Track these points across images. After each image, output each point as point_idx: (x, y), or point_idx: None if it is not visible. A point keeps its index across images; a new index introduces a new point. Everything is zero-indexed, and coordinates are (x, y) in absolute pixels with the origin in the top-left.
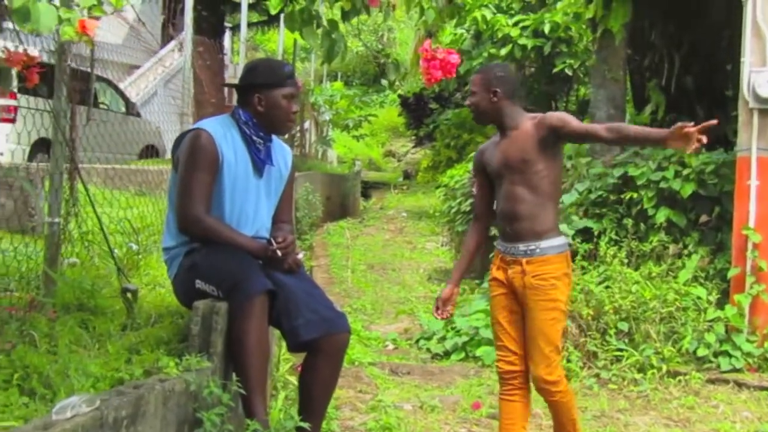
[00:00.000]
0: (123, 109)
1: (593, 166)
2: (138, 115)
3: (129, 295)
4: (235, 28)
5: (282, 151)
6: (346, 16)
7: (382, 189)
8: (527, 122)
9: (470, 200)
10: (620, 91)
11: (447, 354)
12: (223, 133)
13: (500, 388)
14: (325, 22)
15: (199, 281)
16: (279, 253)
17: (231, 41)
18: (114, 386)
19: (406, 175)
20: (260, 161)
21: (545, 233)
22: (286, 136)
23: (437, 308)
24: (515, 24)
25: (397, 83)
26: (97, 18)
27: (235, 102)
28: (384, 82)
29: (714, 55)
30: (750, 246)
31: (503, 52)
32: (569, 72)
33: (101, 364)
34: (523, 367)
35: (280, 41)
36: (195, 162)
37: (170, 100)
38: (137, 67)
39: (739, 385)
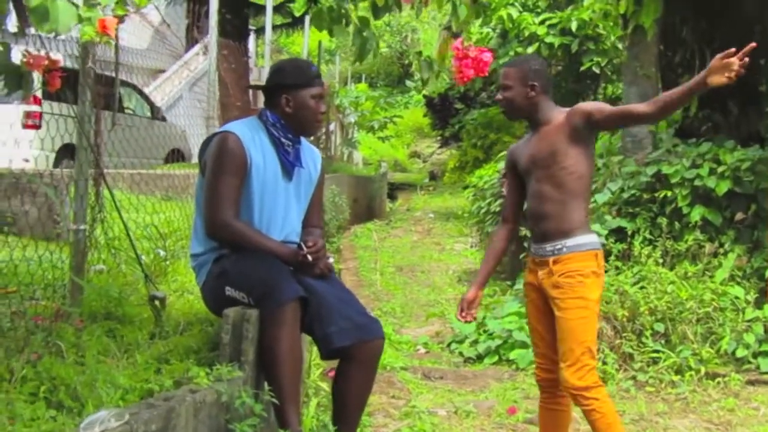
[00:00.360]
0: (148, 114)
1: (626, 164)
2: (163, 119)
3: (157, 302)
4: (260, 31)
5: (311, 153)
6: (377, 13)
7: (408, 190)
8: (559, 116)
9: (500, 200)
10: (652, 88)
11: (480, 357)
12: (251, 135)
13: (540, 395)
14: (355, 20)
15: (229, 288)
16: (310, 258)
17: (255, 44)
18: (143, 398)
19: (432, 176)
20: (289, 164)
21: (572, 231)
22: (312, 138)
23: (461, 310)
24: (542, 22)
25: (429, 82)
26: (120, 18)
27: (260, 105)
28: (408, 83)
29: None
30: None
31: (530, 50)
32: (597, 70)
33: (130, 375)
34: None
35: (305, 43)
36: (223, 165)
37: (196, 104)
38: (162, 71)
39: (766, 382)
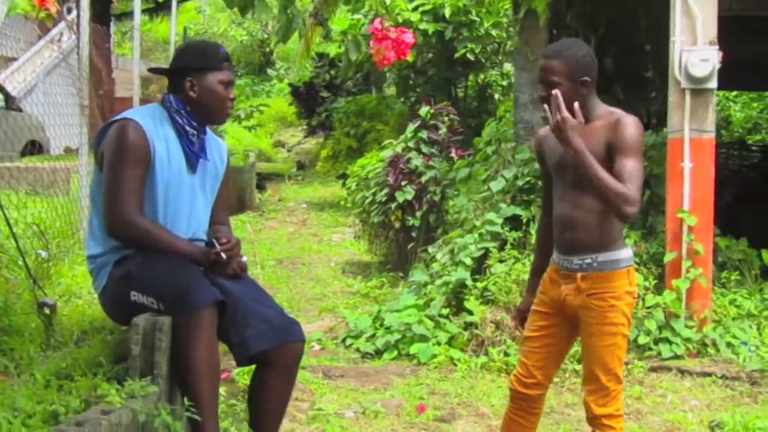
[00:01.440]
0: (1, 104)
1: (519, 151)
2: (19, 109)
3: (47, 310)
4: (120, 17)
5: (217, 144)
6: None
7: (276, 180)
8: (604, 117)
9: (386, 190)
10: None
11: (378, 353)
12: (153, 123)
13: (509, 404)
14: None
15: (135, 293)
16: (224, 256)
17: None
18: (48, 422)
19: (300, 165)
20: (194, 155)
21: (605, 245)
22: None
23: (522, 321)
24: (415, 8)
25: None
26: None
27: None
28: (270, 71)
29: (631, 36)
30: (685, 229)
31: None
32: (471, 57)
33: (29, 396)
34: (539, 393)
35: (172, 28)
36: (123, 157)
37: (54, 92)
38: (14, 59)
39: (682, 372)
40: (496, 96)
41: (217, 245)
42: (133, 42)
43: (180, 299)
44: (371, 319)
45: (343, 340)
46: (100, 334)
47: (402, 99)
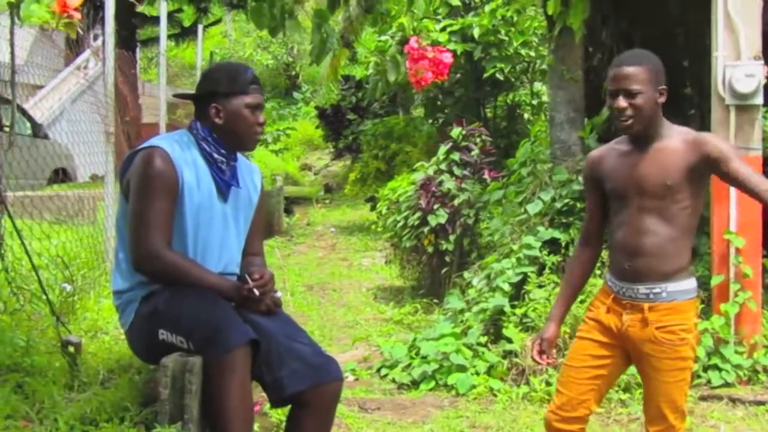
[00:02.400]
0: (29, 132)
1: (557, 172)
2: (46, 136)
3: (71, 348)
4: (146, 42)
5: (249, 170)
6: (332, 5)
7: (304, 204)
8: (675, 136)
9: (418, 214)
10: (579, 92)
11: (415, 383)
12: (181, 151)
13: None
14: (307, 14)
15: (164, 331)
16: (257, 292)
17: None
18: None
19: (328, 189)
20: (224, 184)
21: (675, 274)
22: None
23: (540, 352)
24: (443, 29)
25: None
26: None
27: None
28: (296, 95)
29: (668, 53)
30: (733, 251)
31: (378, 59)
32: (500, 77)
33: None
34: (580, 428)
35: (198, 53)
36: (151, 187)
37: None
38: (41, 86)
39: (733, 400)
40: (526, 116)
41: (249, 281)
42: (159, 68)
43: (211, 339)
44: (407, 347)
45: (378, 370)
46: (127, 373)
47: (430, 120)
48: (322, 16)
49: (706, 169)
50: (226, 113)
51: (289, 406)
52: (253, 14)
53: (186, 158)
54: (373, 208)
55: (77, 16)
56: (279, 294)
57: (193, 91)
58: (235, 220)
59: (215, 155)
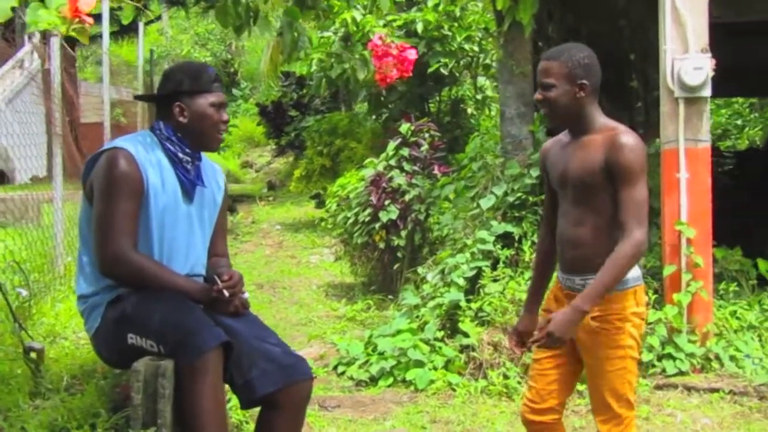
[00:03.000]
0: None
1: (508, 166)
2: None
3: (33, 354)
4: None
5: (213, 170)
6: (301, 3)
7: (247, 202)
8: (602, 132)
9: (368, 210)
10: (529, 87)
11: (373, 380)
12: (145, 152)
13: None
14: (271, 15)
15: (133, 335)
16: (227, 293)
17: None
18: None
19: (271, 186)
20: (189, 183)
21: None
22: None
23: (518, 343)
24: (386, 24)
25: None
26: None
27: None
28: (235, 91)
29: (614, 46)
30: (684, 242)
31: (346, 55)
32: (444, 72)
33: None
34: (554, 419)
35: (139, 51)
36: (115, 189)
37: (19, 120)
38: None
39: (688, 389)
40: (469, 110)
41: (219, 282)
42: (102, 66)
43: (184, 342)
44: (363, 344)
45: (335, 368)
46: (92, 378)
47: (374, 116)
48: (292, 14)
49: (613, 171)
50: (191, 112)
51: (259, 408)
52: (218, 13)
53: (150, 159)
54: (318, 205)
55: (90, 21)
56: (246, 295)
57: (153, 93)
58: (200, 221)
59: (180, 155)
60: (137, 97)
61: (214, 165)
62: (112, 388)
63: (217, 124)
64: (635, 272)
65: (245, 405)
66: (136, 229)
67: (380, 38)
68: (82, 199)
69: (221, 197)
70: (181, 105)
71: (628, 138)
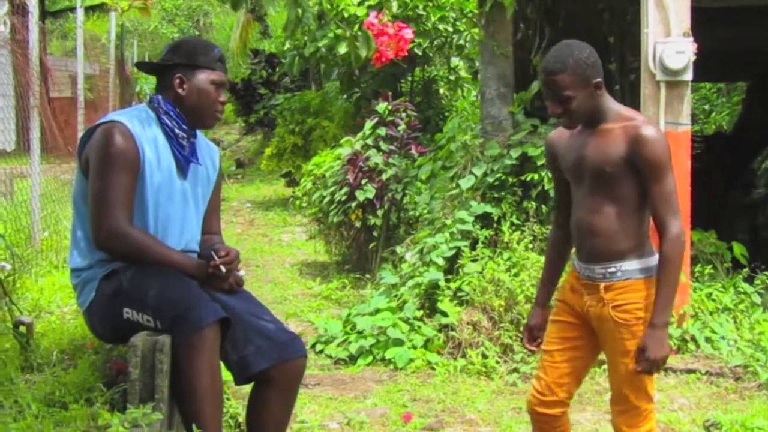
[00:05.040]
0: None
1: (489, 147)
2: None
3: (23, 328)
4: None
5: (208, 148)
6: None
7: None
8: (620, 121)
9: (345, 189)
10: (510, 68)
11: (352, 358)
12: (141, 127)
13: (532, 427)
14: None
15: (129, 310)
16: (223, 269)
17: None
18: None
19: (240, 164)
20: (184, 159)
21: (629, 252)
22: None
23: (530, 339)
24: (360, 2)
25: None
26: None
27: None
28: None
29: (593, 29)
30: None
31: (349, 33)
32: (418, 51)
33: (23, 429)
34: (562, 412)
35: (111, 26)
36: (111, 162)
37: None
38: None
39: (665, 369)
40: (442, 91)
41: (215, 257)
42: (77, 40)
43: (182, 317)
44: (341, 323)
45: (313, 346)
46: (83, 353)
47: (345, 95)
48: None
49: (639, 165)
50: (190, 85)
51: (252, 385)
52: None
53: (147, 135)
54: (289, 184)
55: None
56: (242, 272)
57: (156, 62)
58: (194, 197)
59: (176, 130)
60: (138, 65)
61: (209, 143)
62: (104, 363)
63: (214, 103)
64: (654, 261)
65: (239, 381)
66: (132, 203)
67: (376, 17)
68: (76, 172)
69: (215, 176)
70: (181, 77)
71: (651, 131)
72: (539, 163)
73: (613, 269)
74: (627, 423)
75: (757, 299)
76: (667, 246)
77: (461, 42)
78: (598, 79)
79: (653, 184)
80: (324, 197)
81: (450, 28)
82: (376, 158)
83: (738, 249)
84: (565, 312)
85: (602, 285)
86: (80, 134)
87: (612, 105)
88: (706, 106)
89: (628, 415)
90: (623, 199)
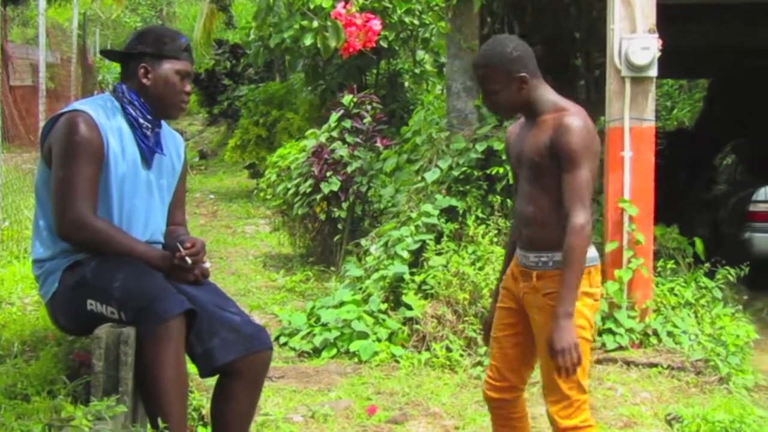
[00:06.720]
0: None
1: (454, 141)
2: None
3: None
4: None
5: (173, 138)
6: None
7: None
8: (554, 111)
9: (310, 181)
10: None
11: (316, 351)
12: (105, 117)
13: (491, 415)
14: None
15: (92, 302)
16: (189, 261)
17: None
18: None
19: (202, 155)
20: (148, 150)
21: (562, 242)
22: None
23: (488, 337)
24: None
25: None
26: None
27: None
28: None
29: (560, 24)
30: (626, 219)
31: (315, 24)
32: (384, 44)
33: None
34: (514, 396)
35: (74, 14)
36: (76, 152)
37: None
38: None
39: (627, 363)
40: (407, 84)
41: (181, 249)
42: (39, 28)
43: (146, 309)
44: (305, 315)
45: (277, 339)
46: (44, 345)
47: (310, 87)
48: None
49: (557, 153)
50: (155, 75)
51: (217, 376)
52: None
53: (111, 125)
54: (253, 175)
55: None
56: (208, 264)
57: (120, 50)
58: (159, 188)
59: (140, 120)
60: (102, 53)
61: (174, 134)
62: (66, 354)
63: (179, 93)
64: (590, 253)
65: (204, 373)
66: (96, 193)
67: (344, 7)
68: (39, 161)
69: (180, 166)
70: (146, 67)
71: (573, 120)
72: (504, 156)
73: (545, 258)
74: (560, 414)
75: (718, 294)
76: (570, 236)
77: (427, 35)
78: (523, 74)
79: (565, 173)
80: (288, 189)
81: (416, 21)
82: (342, 151)
83: (699, 245)
84: (509, 298)
85: (535, 273)
86: (42, 123)
87: (550, 96)
88: (668, 103)
89: (561, 405)
90: (552, 191)
